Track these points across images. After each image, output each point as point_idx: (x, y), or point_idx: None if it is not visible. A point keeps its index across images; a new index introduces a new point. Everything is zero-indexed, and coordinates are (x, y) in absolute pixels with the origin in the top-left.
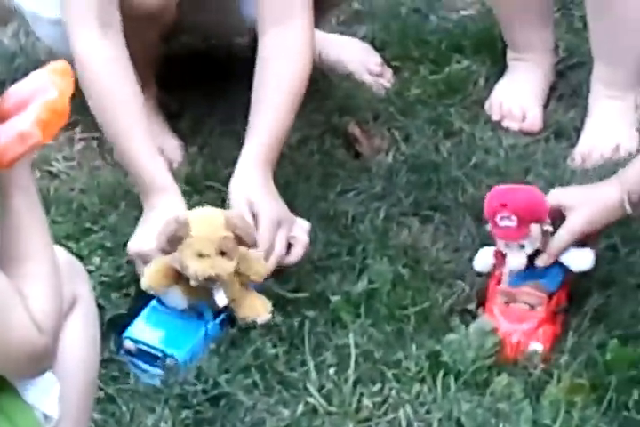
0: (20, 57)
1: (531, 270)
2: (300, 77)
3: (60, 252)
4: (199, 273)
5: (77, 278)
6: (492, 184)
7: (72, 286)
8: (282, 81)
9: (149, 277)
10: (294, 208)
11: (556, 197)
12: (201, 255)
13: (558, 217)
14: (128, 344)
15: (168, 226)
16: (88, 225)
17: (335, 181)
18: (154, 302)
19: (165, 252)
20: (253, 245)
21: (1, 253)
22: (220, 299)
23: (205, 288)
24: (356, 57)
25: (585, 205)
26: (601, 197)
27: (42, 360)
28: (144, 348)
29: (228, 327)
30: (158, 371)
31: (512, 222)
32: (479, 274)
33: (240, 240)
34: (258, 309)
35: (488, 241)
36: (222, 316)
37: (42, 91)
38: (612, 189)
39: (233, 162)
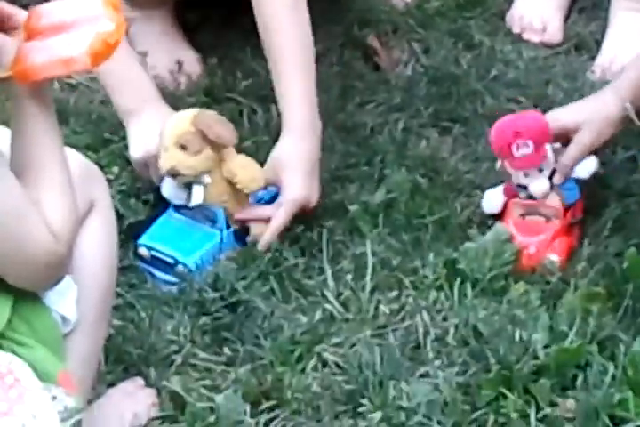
0: None
1: None
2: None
3: (77, 157)
4: (162, 166)
5: (94, 183)
6: (512, 96)
7: (89, 189)
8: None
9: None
10: None
11: (557, 117)
12: (165, 150)
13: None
14: (142, 251)
15: None
16: (107, 136)
17: (354, 93)
18: (169, 210)
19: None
20: (224, 143)
21: (16, 162)
22: (195, 197)
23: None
24: None
25: (588, 119)
26: (601, 110)
27: (57, 269)
28: (157, 255)
29: (245, 238)
30: (172, 278)
31: (529, 149)
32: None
33: (207, 138)
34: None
35: None
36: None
37: (93, 20)
38: (609, 99)
39: (252, 73)
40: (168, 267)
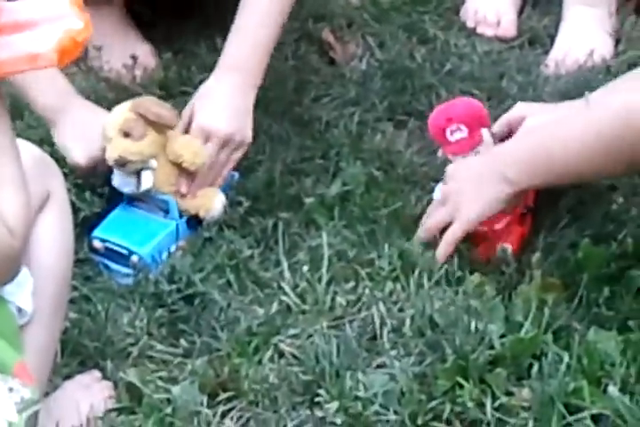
0: None
1: None
2: None
3: (32, 149)
4: (108, 158)
5: (50, 174)
6: (466, 89)
7: (44, 181)
8: None
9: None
10: (269, 113)
11: (520, 108)
12: (108, 141)
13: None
14: (96, 243)
15: None
16: None
17: (309, 87)
18: (123, 203)
19: None
20: (166, 123)
21: None
22: (144, 182)
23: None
24: None
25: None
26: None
27: (13, 264)
28: (111, 246)
29: (198, 228)
30: (127, 270)
31: (463, 133)
32: None
33: (148, 121)
34: (203, 204)
35: None
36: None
37: (60, 18)
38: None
39: (207, 68)
40: (123, 258)
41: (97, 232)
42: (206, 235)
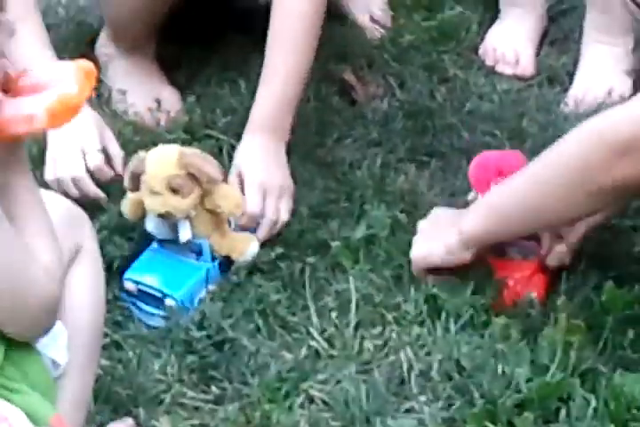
0: None
1: None
2: (316, 18)
3: (63, 201)
4: (153, 210)
5: (79, 225)
6: (487, 130)
7: (74, 233)
8: (296, 23)
9: (125, 208)
10: (293, 155)
11: None
12: (154, 193)
13: None
14: (129, 285)
15: (131, 163)
16: None
17: (332, 128)
18: (154, 244)
19: (130, 189)
20: (212, 182)
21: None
22: (184, 234)
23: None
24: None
25: None
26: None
27: (53, 313)
28: (144, 289)
29: (230, 269)
30: (160, 312)
31: None
32: None
33: (196, 178)
34: (238, 247)
35: None
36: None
37: (62, 81)
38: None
39: (231, 110)
40: (155, 301)
41: (129, 274)
42: (235, 280)
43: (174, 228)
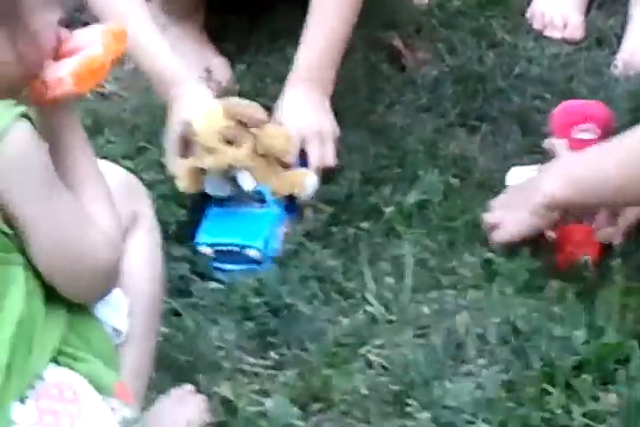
0: None
1: None
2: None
3: (118, 170)
4: (215, 167)
5: (136, 194)
6: (537, 93)
7: (131, 202)
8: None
9: (181, 181)
10: (344, 122)
11: None
12: (209, 151)
13: None
14: (204, 249)
15: (178, 130)
16: (142, 144)
17: (382, 95)
18: (212, 207)
19: (183, 155)
20: (260, 124)
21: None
22: (246, 183)
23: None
24: None
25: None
26: None
27: (112, 277)
28: (221, 248)
29: (295, 210)
30: (242, 266)
31: (592, 135)
32: None
33: (246, 125)
34: (297, 183)
35: (535, 149)
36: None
37: (90, 43)
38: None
39: (280, 78)
40: (234, 256)
41: (202, 238)
42: (290, 247)
43: (235, 182)
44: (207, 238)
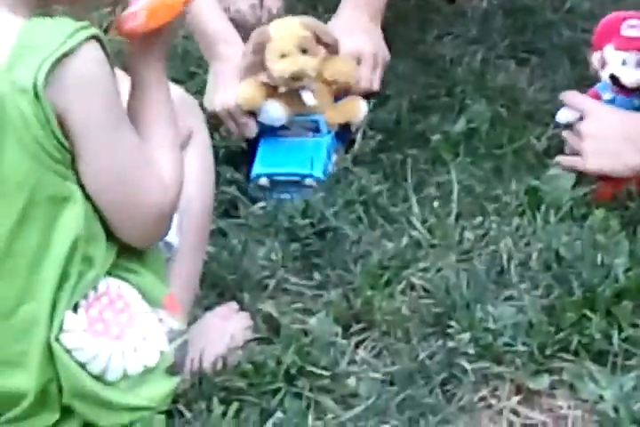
0: None
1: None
2: None
3: (175, 88)
4: (284, 71)
5: (191, 112)
6: (587, 28)
7: (187, 118)
8: None
9: (243, 94)
10: (393, 51)
11: None
12: (283, 55)
13: None
14: (262, 181)
15: (251, 38)
16: (193, 69)
17: (432, 26)
18: (263, 140)
19: (251, 66)
20: (334, 43)
21: (131, 115)
22: (308, 98)
23: (296, 93)
24: None
25: None
26: None
27: (164, 222)
28: (279, 178)
29: (347, 138)
30: (303, 193)
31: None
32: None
33: (319, 40)
34: (351, 111)
35: (584, 82)
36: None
37: None
38: None
39: (332, 8)
40: (292, 186)
41: (258, 169)
42: (337, 171)
43: (293, 106)
44: (265, 169)
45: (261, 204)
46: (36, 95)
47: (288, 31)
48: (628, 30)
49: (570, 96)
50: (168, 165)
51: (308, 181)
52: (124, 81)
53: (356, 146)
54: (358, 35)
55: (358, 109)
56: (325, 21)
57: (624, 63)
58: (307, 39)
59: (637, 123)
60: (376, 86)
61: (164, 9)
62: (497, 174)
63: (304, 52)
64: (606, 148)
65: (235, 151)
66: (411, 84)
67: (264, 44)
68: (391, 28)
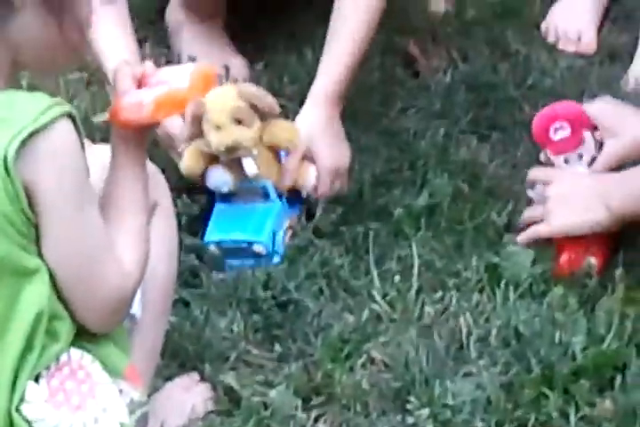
0: None
1: None
2: (376, 9)
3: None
4: (219, 144)
5: (156, 184)
6: (548, 104)
7: (152, 191)
8: (359, 13)
9: (186, 162)
10: (357, 124)
11: (594, 111)
12: (218, 127)
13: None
14: (212, 249)
15: (189, 109)
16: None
17: (396, 99)
18: (218, 205)
19: (192, 136)
20: (272, 111)
21: (104, 196)
22: (250, 168)
23: (239, 161)
24: None
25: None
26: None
27: (121, 309)
28: (228, 245)
29: (301, 206)
30: (251, 262)
31: (566, 131)
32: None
33: (257, 109)
34: (301, 176)
35: None
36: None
37: (178, 78)
38: None
39: (297, 78)
40: (242, 252)
41: (208, 237)
42: (299, 243)
43: (237, 175)
44: (214, 236)
45: (222, 275)
46: (6, 170)
47: (222, 102)
48: (556, 134)
49: (533, 173)
50: (131, 253)
51: (256, 248)
52: (95, 153)
53: (317, 217)
54: (333, 147)
55: (307, 175)
56: (291, 91)
57: (566, 162)
58: (241, 109)
59: (602, 179)
60: (342, 191)
61: (170, 105)
62: (458, 249)
63: (239, 122)
64: (571, 204)
65: (196, 218)
66: (373, 157)
67: (200, 117)
68: (355, 100)
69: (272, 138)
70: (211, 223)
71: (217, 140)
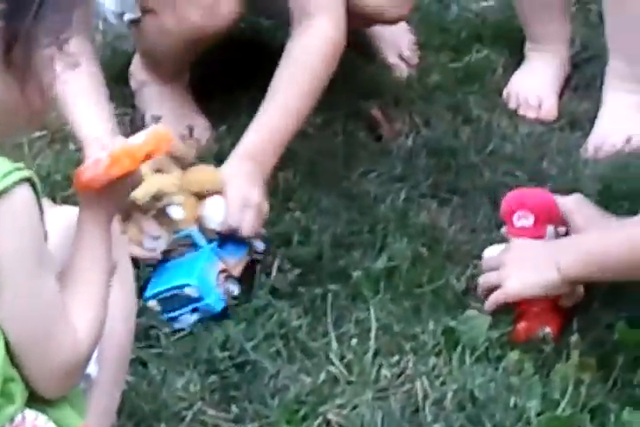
0: None
1: None
2: (319, 75)
3: None
4: (145, 194)
5: (117, 246)
6: (508, 170)
7: (113, 253)
8: (299, 78)
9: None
10: (318, 186)
11: (567, 208)
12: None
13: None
14: (151, 304)
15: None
16: None
17: (357, 162)
18: (159, 265)
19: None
20: (186, 157)
21: (64, 269)
22: (176, 213)
23: (165, 212)
24: (392, 36)
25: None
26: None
27: (72, 376)
28: (164, 295)
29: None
30: (195, 316)
31: (529, 221)
32: None
33: (176, 159)
34: (208, 208)
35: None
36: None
37: (136, 137)
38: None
39: None
40: (182, 302)
41: (147, 293)
42: (257, 304)
43: (168, 225)
44: (150, 291)
45: (180, 334)
46: None
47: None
48: (519, 221)
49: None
50: (86, 320)
51: (188, 291)
52: (56, 215)
53: (273, 277)
54: (245, 183)
55: (214, 207)
56: None
57: None
58: (159, 160)
59: (554, 245)
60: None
61: (125, 156)
62: (416, 313)
63: (158, 171)
64: (525, 268)
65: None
66: (334, 219)
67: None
68: (316, 162)
69: (194, 182)
70: (149, 283)
71: (142, 191)
